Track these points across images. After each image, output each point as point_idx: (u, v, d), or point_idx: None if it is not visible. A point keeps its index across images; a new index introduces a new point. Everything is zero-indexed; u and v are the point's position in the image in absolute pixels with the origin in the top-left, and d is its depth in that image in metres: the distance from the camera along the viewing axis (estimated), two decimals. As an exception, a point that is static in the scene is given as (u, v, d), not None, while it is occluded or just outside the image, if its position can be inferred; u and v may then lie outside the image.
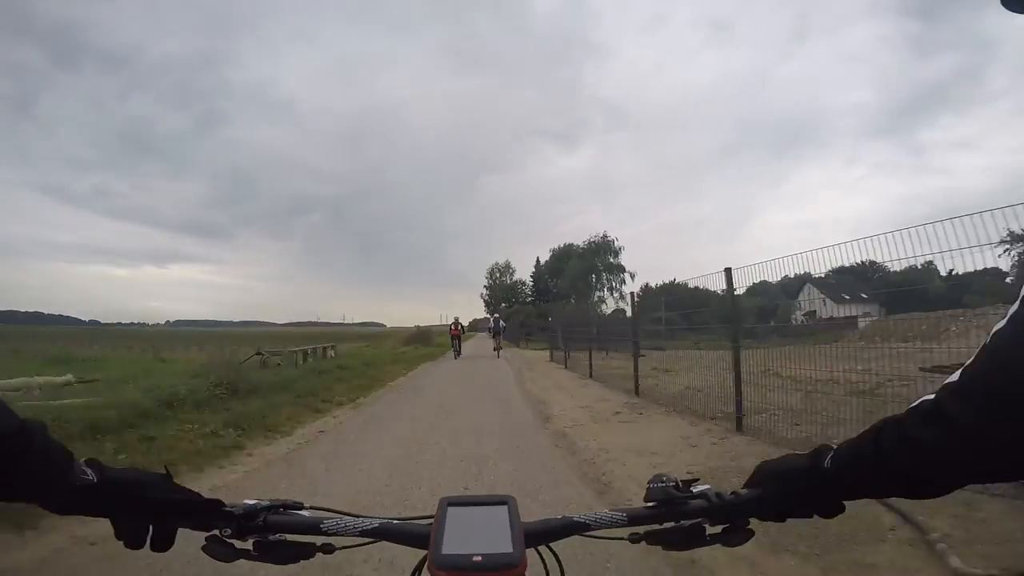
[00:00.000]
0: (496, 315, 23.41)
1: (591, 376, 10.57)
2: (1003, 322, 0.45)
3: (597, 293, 47.35)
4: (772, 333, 9.21)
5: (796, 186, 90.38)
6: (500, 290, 63.79)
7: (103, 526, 0.56)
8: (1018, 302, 0.44)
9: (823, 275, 5.03)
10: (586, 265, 47.66)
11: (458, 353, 18.49)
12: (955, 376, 0.47)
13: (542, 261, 58.17)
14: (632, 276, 47.46)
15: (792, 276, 5.15)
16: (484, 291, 68.13)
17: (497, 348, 19.28)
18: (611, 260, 48.07)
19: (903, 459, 0.50)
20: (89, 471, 0.54)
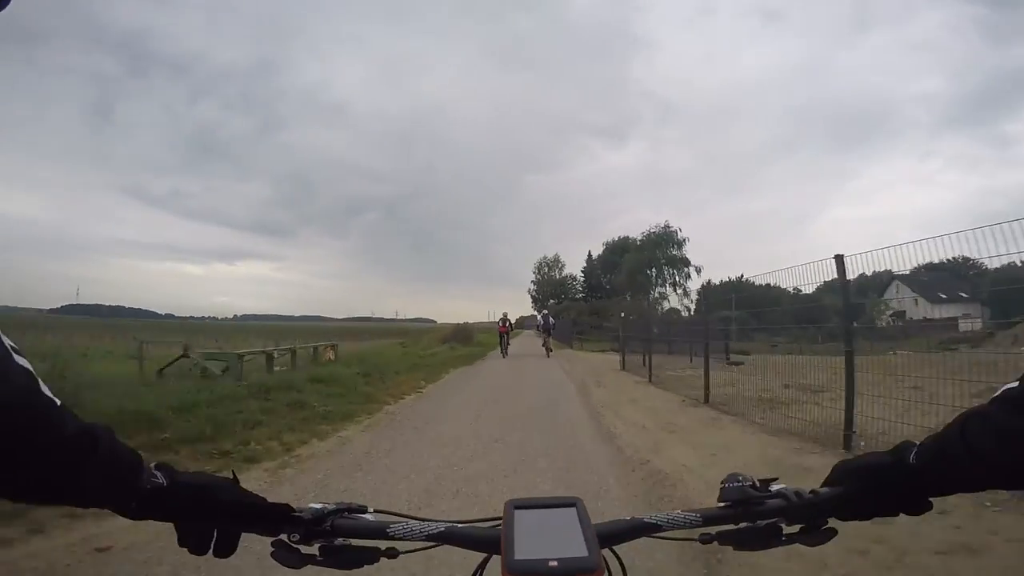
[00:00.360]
0: (545, 311, 22.10)
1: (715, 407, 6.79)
2: None
3: (658, 289, 43.56)
4: (865, 335, 8.21)
5: (867, 180, 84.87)
6: (548, 285, 61.49)
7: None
8: None
9: (909, 271, 4.54)
10: (644, 258, 43.50)
11: (506, 352, 17.89)
12: None
13: (594, 255, 55.10)
14: (698, 271, 42.72)
15: (871, 273, 4.72)
16: (531, 286, 65.69)
17: (547, 347, 18.37)
18: (673, 252, 43.24)
19: (994, 450, 0.49)
20: (159, 475, 0.54)
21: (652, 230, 44.32)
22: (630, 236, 48.97)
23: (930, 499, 0.56)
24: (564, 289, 59.95)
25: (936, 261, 4.00)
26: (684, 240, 43.51)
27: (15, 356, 0.44)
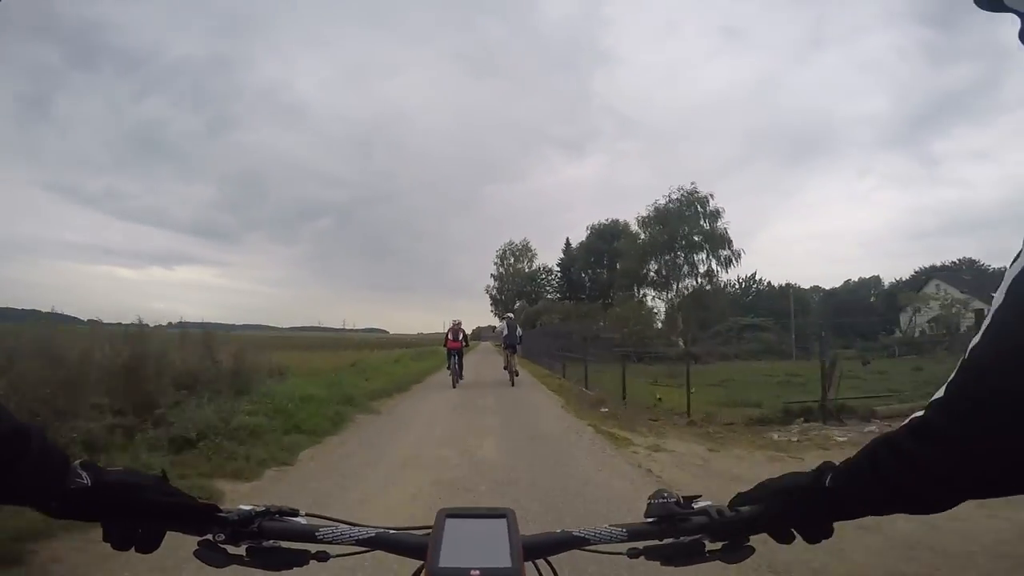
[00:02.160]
0: (509, 315, 15.41)
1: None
2: (977, 337, 0.46)
3: (687, 281, 30.82)
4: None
5: (809, 196, 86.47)
6: (514, 281, 50.11)
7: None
8: (988, 316, 0.46)
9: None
10: (659, 238, 30.64)
11: (458, 376, 12.35)
12: (940, 391, 0.49)
13: (574, 244, 44.11)
14: (737, 256, 30.51)
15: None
16: (491, 282, 52.56)
17: (511, 369, 12.81)
18: (703, 226, 30.45)
19: (897, 476, 0.50)
20: (84, 474, 0.54)
21: (671, 196, 30.85)
22: (620, 219, 39.37)
23: (833, 525, 0.57)
24: (536, 286, 49.29)
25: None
26: (719, 211, 30.32)
27: None
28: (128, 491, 0.55)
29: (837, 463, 0.56)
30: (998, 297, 0.45)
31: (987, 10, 0.44)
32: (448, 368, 12.72)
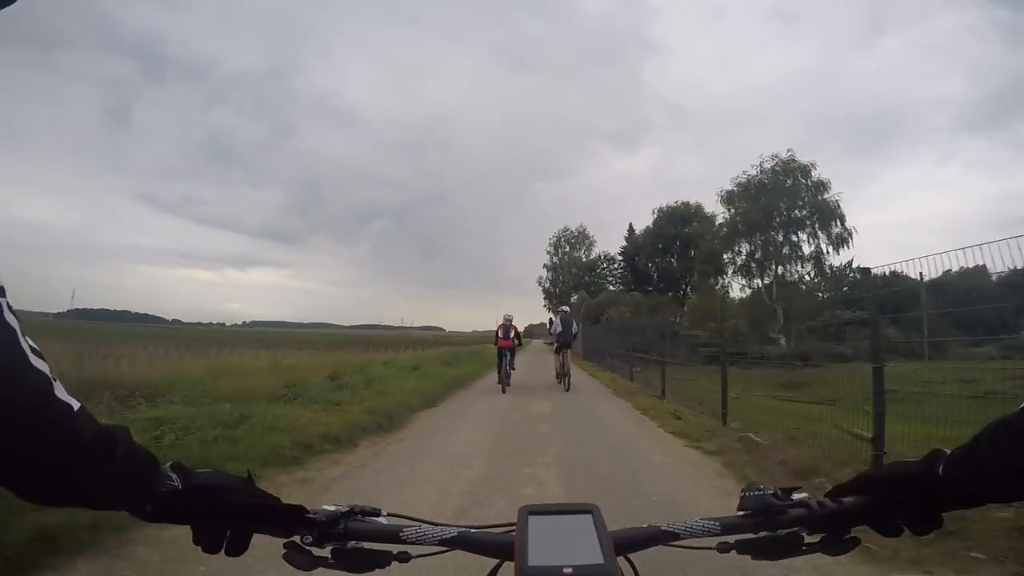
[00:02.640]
0: (564, 309, 12.39)
1: None
2: None
3: (787, 266, 25.64)
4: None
5: (885, 186, 77.27)
6: (570, 272, 45.25)
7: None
8: None
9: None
10: (753, 215, 25.16)
11: (507, 381, 10.56)
12: None
13: (638, 231, 38.58)
14: (849, 235, 24.94)
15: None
16: (544, 273, 47.89)
17: (563, 373, 10.80)
18: (807, 200, 24.93)
19: (1020, 458, 0.49)
20: (174, 476, 0.54)
21: (761, 166, 25.75)
22: (691, 201, 34.41)
23: (951, 510, 0.56)
24: (595, 276, 44.13)
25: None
26: (825, 182, 25.07)
27: (33, 359, 0.44)
28: (217, 493, 0.56)
29: (948, 450, 0.55)
30: None
31: None
32: (499, 370, 10.74)
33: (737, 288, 27.83)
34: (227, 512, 0.56)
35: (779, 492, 0.60)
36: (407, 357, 17.41)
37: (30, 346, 0.44)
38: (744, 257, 26.69)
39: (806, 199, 24.94)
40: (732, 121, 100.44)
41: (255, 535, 0.59)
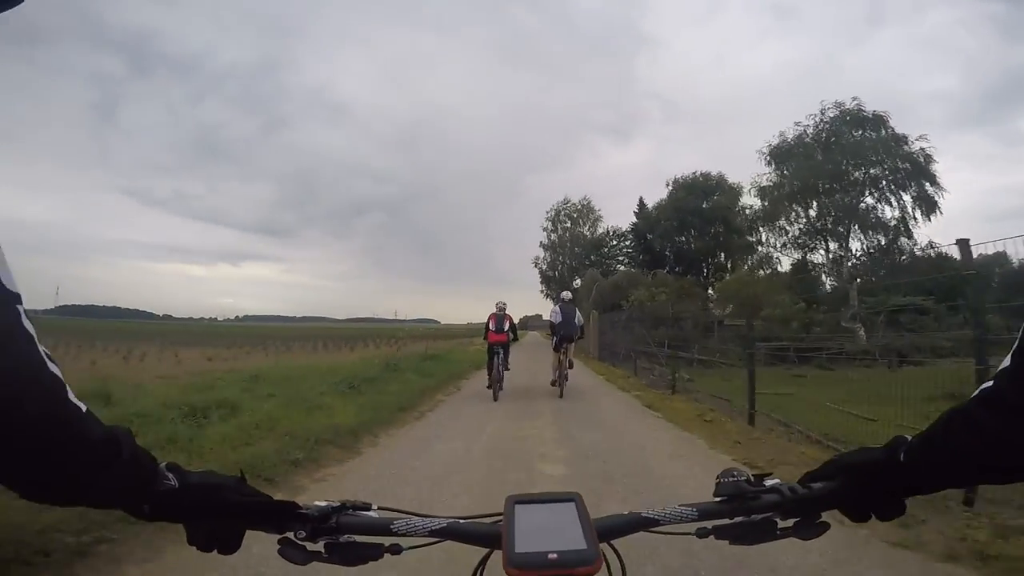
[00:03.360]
0: (567, 295, 9.95)
1: None
2: None
3: (866, 234, 21.30)
4: None
5: None
6: (572, 251, 38.90)
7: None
8: None
9: None
10: (815, 172, 20.62)
11: (500, 383, 8.35)
12: (1007, 360, 0.49)
13: (650, 205, 33.14)
14: (940, 196, 20.70)
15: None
16: (541, 253, 41.49)
17: (560, 374, 8.63)
18: (880, 151, 20.34)
19: (970, 446, 0.51)
20: (171, 476, 0.56)
21: (820, 117, 21.68)
22: (713, 172, 29.97)
23: (905, 501, 0.59)
24: (603, 256, 37.90)
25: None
26: (903, 136, 20.54)
27: (48, 364, 0.45)
28: (211, 491, 0.57)
29: (910, 437, 0.57)
30: None
31: None
32: (489, 372, 8.47)
33: (787, 263, 23.74)
34: (221, 510, 0.58)
35: (752, 478, 0.63)
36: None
37: (44, 352, 0.46)
38: (802, 225, 22.28)
39: (882, 154, 20.35)
40: (727, 115, 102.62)
41: (248, 534, 0.60)
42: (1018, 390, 0.47)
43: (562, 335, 8.77)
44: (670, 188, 32.16)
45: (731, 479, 0.62)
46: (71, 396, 0.46)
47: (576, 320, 9.06)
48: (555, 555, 0.50)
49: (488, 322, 8.86)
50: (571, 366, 8.97)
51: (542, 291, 41.97)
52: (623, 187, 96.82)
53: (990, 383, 0.51)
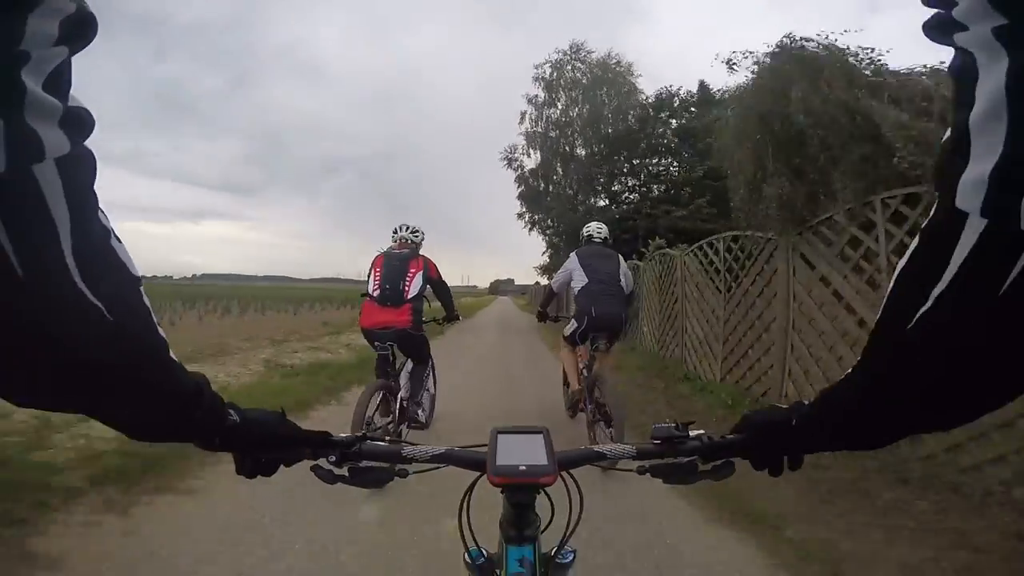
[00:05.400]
0: (597, 229, 3.73)
1: None
2: (892, 281, 0.45)
3: None
4: None
5: None
6: (586, 134, 17.69)
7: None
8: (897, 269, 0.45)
9: None
10: None
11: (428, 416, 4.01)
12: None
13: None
14: None
15: None
16: (520, 144, 19.48)
17: (590, 405, 3.54)
18: None
19: (835, 417, 0.56)
20: (233, 413, 0.63)
21: None
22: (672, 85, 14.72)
23: (804, 454, 0.65)
24: (650, 136, 17.58)
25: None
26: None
27: (159, 329, 0.50)
28: (263, 425, 0.66)
29: (807, 402, 0.61)
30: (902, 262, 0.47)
31: (934, 40, 0.41)
32: (355, 417, 2.93)
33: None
34: (271, 439, 0.67)
35: (680, 426, 0.74)
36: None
37: (156, 320, 0.51)
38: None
39: None
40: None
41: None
42: (872, 366, 0.49)
43: (596, 316, 3.70)
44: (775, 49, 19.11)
45: (664, 425, 0.74)
46: (172, 353, 0.53)
47: (623, 281, 3.90)
48: (524, 467, 0.66)
49: (372, 272, 3.51)
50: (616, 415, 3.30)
51: (520, 214, 20.62)
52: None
53: (859, 359, 0.52)
